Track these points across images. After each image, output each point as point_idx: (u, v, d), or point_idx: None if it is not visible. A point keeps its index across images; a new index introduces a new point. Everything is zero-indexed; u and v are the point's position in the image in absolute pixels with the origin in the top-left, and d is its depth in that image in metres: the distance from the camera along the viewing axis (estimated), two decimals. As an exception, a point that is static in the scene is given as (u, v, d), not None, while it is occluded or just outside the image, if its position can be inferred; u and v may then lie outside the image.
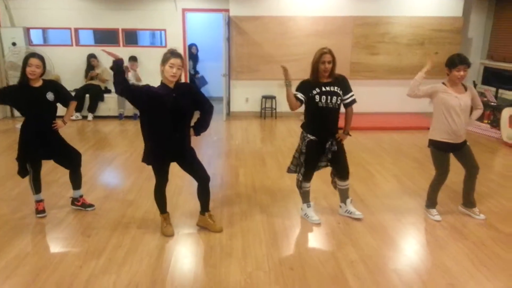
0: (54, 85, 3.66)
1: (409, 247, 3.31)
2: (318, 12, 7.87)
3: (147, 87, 3.14)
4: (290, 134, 6.93)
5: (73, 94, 7.35)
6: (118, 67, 3.01)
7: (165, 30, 8.16)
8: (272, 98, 8.20)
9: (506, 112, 6.35)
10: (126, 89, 3.08)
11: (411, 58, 8.04)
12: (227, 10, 7.84)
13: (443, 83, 3.55)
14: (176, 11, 7.99)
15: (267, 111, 8.30)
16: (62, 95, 3.67)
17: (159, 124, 3.11)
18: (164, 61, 3.06)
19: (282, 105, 8.14)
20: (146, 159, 3.28)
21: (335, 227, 3.61)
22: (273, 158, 5.58)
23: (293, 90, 3.47)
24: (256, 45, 7.98)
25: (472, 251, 3.20)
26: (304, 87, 3.42)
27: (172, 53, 3.05)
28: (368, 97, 8.09)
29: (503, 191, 4.43)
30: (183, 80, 3.35)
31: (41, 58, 3.46)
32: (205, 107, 3.31)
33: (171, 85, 3.11)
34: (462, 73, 3.42)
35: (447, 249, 3.24)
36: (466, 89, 3.56)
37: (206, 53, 9.47)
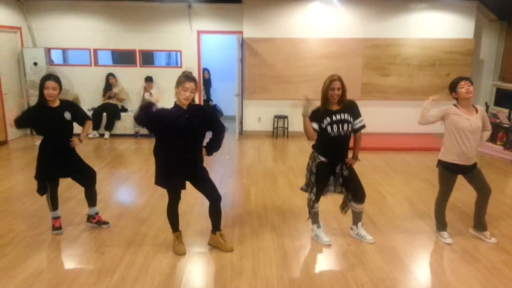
0: (71, 105, 3.79)
1: (420, 270, 3.30)
2: (329, 34, 8.02)
3: (160, 112, 3.16)
4: (301, 153, 6.98)
5: (91, 112, 7.69)
6: (147, 108, 3.08)
7: (180, 51, 8.40)
8: (284, 117, 8.30)
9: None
10: (143, 123, 3.21)
11: (422, 79, 8.08)
12: (240, 32, 8.05)
13: (455, 105, 3.59)
14: (192, 33, 8.24)
15: (279, 131, 8.39)
16: (78, 115, 3.80)
17: (173, 144, 3.21)
18: (178, 84, 3.17)
19: (294, 125, 8.24)
20: (160, 182, 3.37)
21: (345, 248, 3.62)
22: (285, 178, 5.63)
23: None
24: (268, 66, 8.14)
25: (484, 275, 3.18)
26: (316, 116, 3.47)
27: (187, 77, 3.15)
28: (380, 117, 8.14)
29: (516, 215, 4.39)
30: (197, 102, 3.46)
31: (56, 80, 3.58)
32: (217, 127, 3.41)
33: (184, 107, 3.22)
34: (466, 87, 3.46)
35: (458, 272, 3.23)
36: (477, 111, 3.59)
37: (220, 73, 9.68)
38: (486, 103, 8.14)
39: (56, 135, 3.65)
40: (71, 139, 3.73)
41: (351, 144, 3.57)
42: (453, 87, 3.54)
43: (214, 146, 3.43)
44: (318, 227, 3.75)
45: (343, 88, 3.41)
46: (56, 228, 3.83)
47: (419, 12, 7.98)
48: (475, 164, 3.65)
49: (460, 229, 3.98)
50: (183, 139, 3.21)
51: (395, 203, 4.73)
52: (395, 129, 8.37)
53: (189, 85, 3.13)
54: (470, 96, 3.51)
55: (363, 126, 3.56)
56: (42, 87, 3.52)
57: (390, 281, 3.10)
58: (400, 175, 5.80)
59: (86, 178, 3.87)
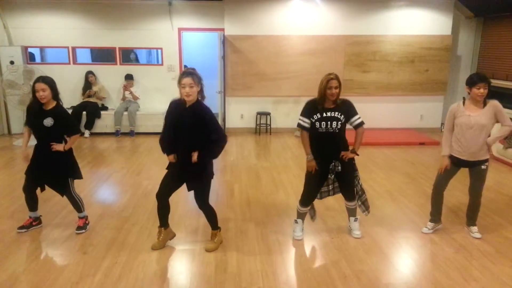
0: (60, 114, 3.61)
1: (401, 262, 3.37)
2: (310, 32, 8.07)
3: (168, 112, 3.29)
4: (284, 149, 7.02)
5: (70, 111, 7.53)
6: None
7: (161, 48, 8.32)
8: (266, 114, 8.32)
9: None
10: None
11: (402, 75, 8.21)
12: (222, 30, 8.03)
13: (464, 99, 3.64)
14: (173, 30, 8.17)
15: (262, 127, 8.42)
16: (63, 124, 3.63)
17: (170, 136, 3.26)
18: (178, 82, 3.16)
19: (277, 121, 8.29)
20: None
21: (328, 242, 3.66)
22: (268, 174, 5.66)
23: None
24: (250, 63, 8.15)
25: (463, 265, 3.27)
26: (308, 109, 3.48)
27: (183, 73, 3.15)
28: (361, 113, 8.04)
29: (493, 206, 4.51)
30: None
31: (46, 81, 3.51)
32: (212, 136, 3.19)
33: (186, 105, 3.19)
34: (482, 90, 3.48)
35: (438, 263, 3.31)
36: (484, 106, 3.56)
37: (202, 70, 9.49)
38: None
39: (37, 137, 3.65)
40: (52, 143, 3.60)
41: (351, 140, 3.58)
42: (470, 84, 3.54)
43: (206, 154, 3.27)
44: (296, 222, 3.74)
45: (339, 87, 3.42)
46: (21, 227, 3.80)
47: (398, 9, 8.11)
48: (480, 162, 3.65)
49: (444, 222, 4.07)
50: (174, 135, 3.22)
51: (376, 196, 4.81)
52: (376, 124, 8.46)
53: (185, 80, 3.10)
54: (481, 99, 3.55)
55: (361, 123, 3.57)
56: (34, 90, 3.50)
57: (373, 273, 3.16)
58: (380, 170, 5.90)
59: (55, 186, 3.77)
